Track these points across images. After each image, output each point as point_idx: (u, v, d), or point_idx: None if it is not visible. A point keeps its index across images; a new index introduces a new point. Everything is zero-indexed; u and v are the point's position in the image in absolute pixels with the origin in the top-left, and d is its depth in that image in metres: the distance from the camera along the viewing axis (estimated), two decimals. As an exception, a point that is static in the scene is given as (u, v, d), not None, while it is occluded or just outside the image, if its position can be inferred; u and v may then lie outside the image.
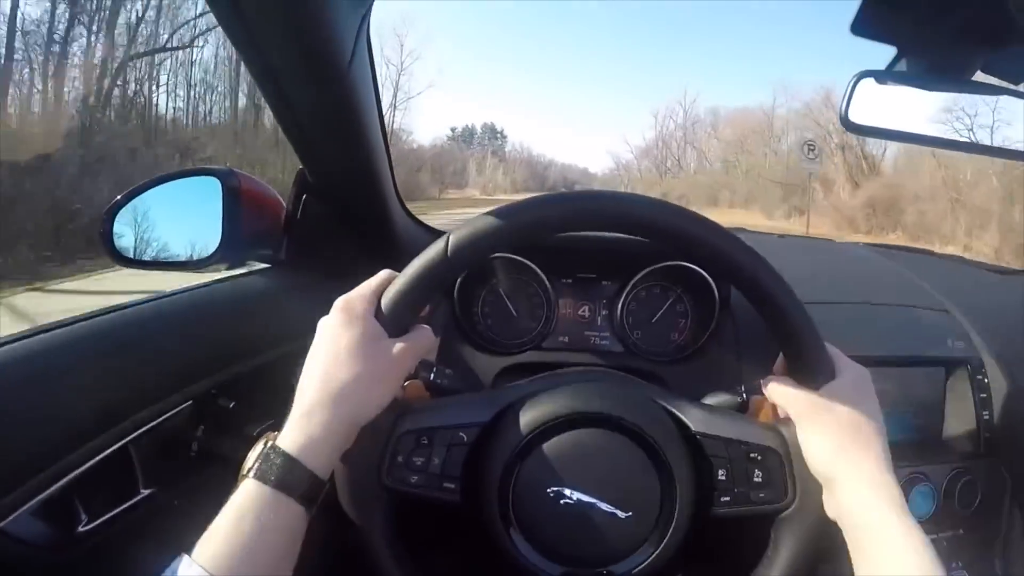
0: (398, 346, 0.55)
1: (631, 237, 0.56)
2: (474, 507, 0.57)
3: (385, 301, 0.56)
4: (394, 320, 0.55)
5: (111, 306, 0.71)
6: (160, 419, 0.69)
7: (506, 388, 0.63)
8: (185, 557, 0.45)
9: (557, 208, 0.56)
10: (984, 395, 0.92)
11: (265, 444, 0.50)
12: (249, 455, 0.54)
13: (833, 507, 0.54)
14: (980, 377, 0.93)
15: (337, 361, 0.52)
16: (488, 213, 0.55)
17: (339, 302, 0.56)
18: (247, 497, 0.47)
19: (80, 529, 0.63)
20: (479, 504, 0.56)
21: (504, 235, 0.55)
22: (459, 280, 0.93)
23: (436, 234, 0.57)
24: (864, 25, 0.77)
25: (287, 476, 0.48)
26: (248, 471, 0.49)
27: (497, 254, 0.92)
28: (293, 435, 0.50)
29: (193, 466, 0.73)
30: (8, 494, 0.53)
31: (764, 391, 0.61)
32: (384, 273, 0.58)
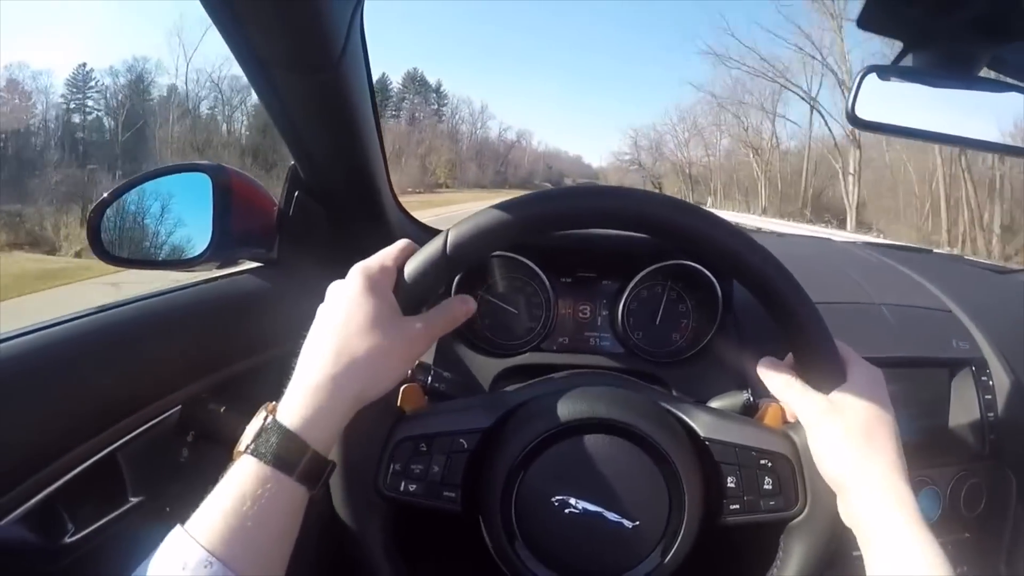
0: (417, 325, 0.52)
1: (633, 235, 0.55)
2: (476, 516, 0.55)
3: (407, 276, 0.53)
4: (411, 297, 0.53)
5: (95, 307, 0.69)
6: (148, 425, 0.66)
7: (507, 392, 0.61)
8: (179, 530, 0.43)
9: (562, 204, 0.54)
10: (989, 396, 0.91)
11: (264, 419, 0.47)
12: (247, 428, 0.50)
13: (848, 515, 0.52)
14: (984, 378, 0.92)
15: (353, 332, 0.49)
16: (490, 208, 0.53)
17: (358, 268, 0.53)
18: (244, 476, 0.45)
19: (67, 540, 0.61)
20: (481, 513, 0.54)
21: (506, 232, 0.53)
22: (456, 279, 0.91)
23: (432, 232, 0.56)
24: (871, 19, 0.75)
25: (286, 454, 0.45)
26: (246, 447, 0.46)
27: (496, 252, 0.90)
28: (295, 409, 0.47)
29: (183, 473, 0.70)
30: None
31: (772, 393, 0.59)
32: (404, 242, 0.56)
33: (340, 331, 0.50)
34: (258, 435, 0.46)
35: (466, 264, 0.56)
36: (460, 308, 0.57)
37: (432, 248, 0.53)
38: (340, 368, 0.48)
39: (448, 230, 0.53)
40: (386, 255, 0.54)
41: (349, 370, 0.48)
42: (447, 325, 0.56)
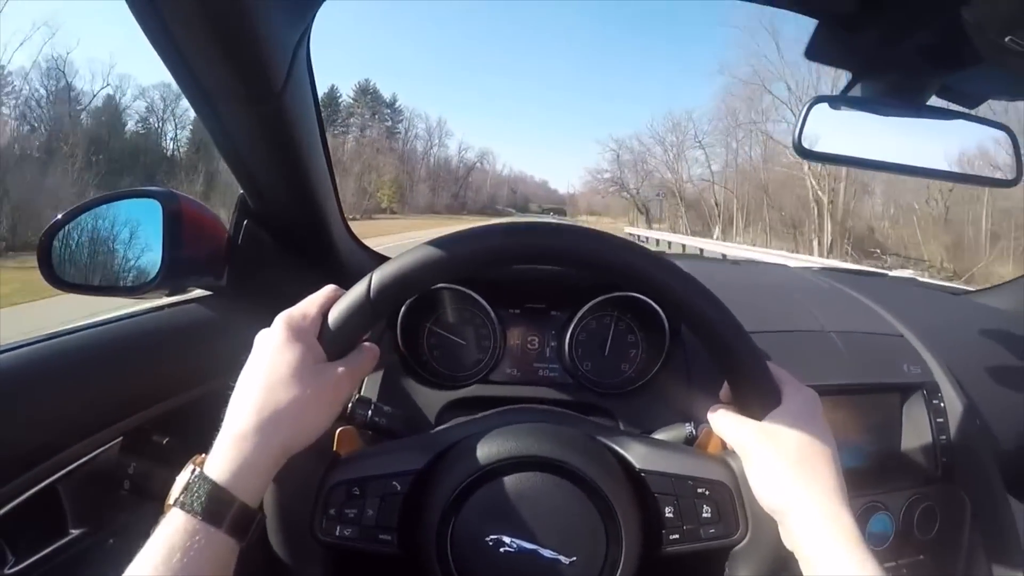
0: (340, 370, 0.53)
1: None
2: (413, 557, 0.55)
3: (331, 323, 0.54)
4: (336, 343, 0.54)
5: (42, 335, 0.68)
6: (90, 456, 0.66)
7: (440, 432, 0.61)
8: None
9: (478, 243, 0.54)
10: (940, 419, 0.91)
11: (192, 472, 0.48)
12: (176, 481, 0.51)
13: (788, 541, 0.52)
14: (936, 401, 0.92)
15: (277, 382, 0.50)
16: (415, 249, 0.53)
17: (282, 317, 0.54)
18: (174, 529, 0.45)
19: (7, 571, 0.61)
20: (418, 555, 0.54)
21: (432, 273, 0.54)
22: (403, 310, 0.90)
23: (382, 260, 0.56)
24: (818, 50, 0.76)
25: (215, 506, 0.46)
26: (175, 501, 0.46)
27: (441, 285, 0.90)
28: (221, 461, 0.48)
29: (125, 505, 0.70)
30: None
31: (709, 422, 0.59)
32: (329, 289, 0.57)
33: (263, 382, 0.50)
34: (186, 488, 0.47)
35: (392, 306, 0.56)
36: (369, 353, 0.57)
37: (355, 293, 0.53)
38: (264, 419, 0.49)
39: (372, 273, 0.53)
40: (310, 302, 0.55)
41: (273, 421, 0.49)
42: (364, 369, 0.57)
